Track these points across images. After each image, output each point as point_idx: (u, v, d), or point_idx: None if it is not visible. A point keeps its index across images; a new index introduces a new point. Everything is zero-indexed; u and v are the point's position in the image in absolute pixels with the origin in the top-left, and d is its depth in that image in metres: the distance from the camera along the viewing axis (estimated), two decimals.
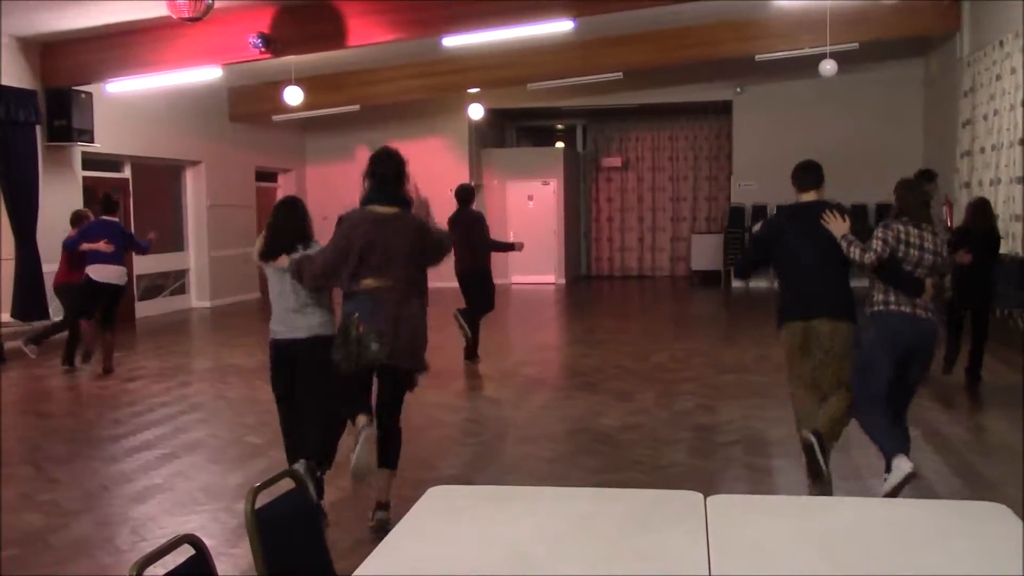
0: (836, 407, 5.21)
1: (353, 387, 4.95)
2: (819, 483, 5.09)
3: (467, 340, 9.98)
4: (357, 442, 4.82)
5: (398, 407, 5.09)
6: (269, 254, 5.16)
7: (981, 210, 8.45)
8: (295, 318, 5.11)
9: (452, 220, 9.48)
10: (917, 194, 5.23)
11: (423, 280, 5.18)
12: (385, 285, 4.84)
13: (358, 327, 4.80)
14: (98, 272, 9.52)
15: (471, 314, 9.85)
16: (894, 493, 4.82)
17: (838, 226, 5.13)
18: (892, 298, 5.09)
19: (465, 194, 9.92)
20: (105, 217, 9.89)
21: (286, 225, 5.19)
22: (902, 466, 4.83)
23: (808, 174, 5.39)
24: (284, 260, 5.08)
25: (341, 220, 5.03)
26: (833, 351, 5.17)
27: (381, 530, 4.67)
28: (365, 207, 4.95)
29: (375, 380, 5.06)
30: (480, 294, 9.86)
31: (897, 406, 5.19)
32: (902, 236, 5.06)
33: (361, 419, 4.89)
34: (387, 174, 4.94)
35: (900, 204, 5.22)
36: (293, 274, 4.99)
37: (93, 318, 9.85)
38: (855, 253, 5.06)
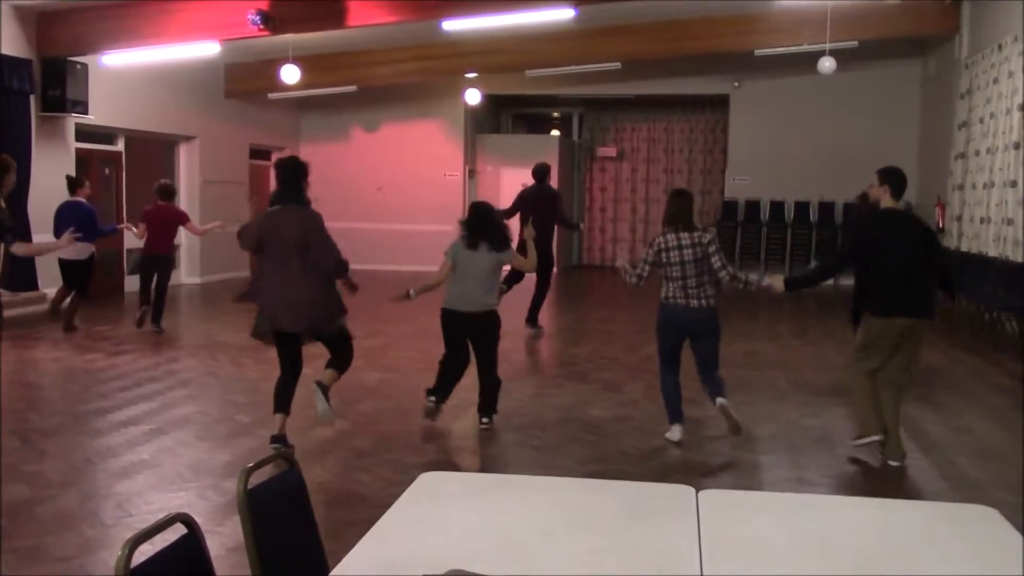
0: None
1: (278, 350, 5.99)
2: None
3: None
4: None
5: (339, 352, 6.12)
6: (474, 243, 6.38)
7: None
8: (479, 297, 6.39)
9: (527, 194, 10.60)
10: (676, 206, 6.12)
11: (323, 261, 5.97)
12: (270, 264, 5.85)
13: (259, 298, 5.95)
14: (62, 251, 10.19)
15: (513, 281, 10.45)
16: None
17: (620, 263, 6.43)
18: (670, 292, 6.09)
19: (542, 170, 10.87)
20: (71, 199, 10.56)
21: (484, 221, 6.44)
22: (673, 434, 6.24)
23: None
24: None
25: (265, 213, 6.06)
26: None
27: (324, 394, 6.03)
28: (272, 205, 6.03)
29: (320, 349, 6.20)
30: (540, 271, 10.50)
31: (703, 374, 6.33)
32: (661, 246, 6.03)
33: (279, 418, 5.90)
34: (285, 177, 5.95)
35: (666, 214, 6.19)
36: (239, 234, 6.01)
37: (74, 289, 10.56)
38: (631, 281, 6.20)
